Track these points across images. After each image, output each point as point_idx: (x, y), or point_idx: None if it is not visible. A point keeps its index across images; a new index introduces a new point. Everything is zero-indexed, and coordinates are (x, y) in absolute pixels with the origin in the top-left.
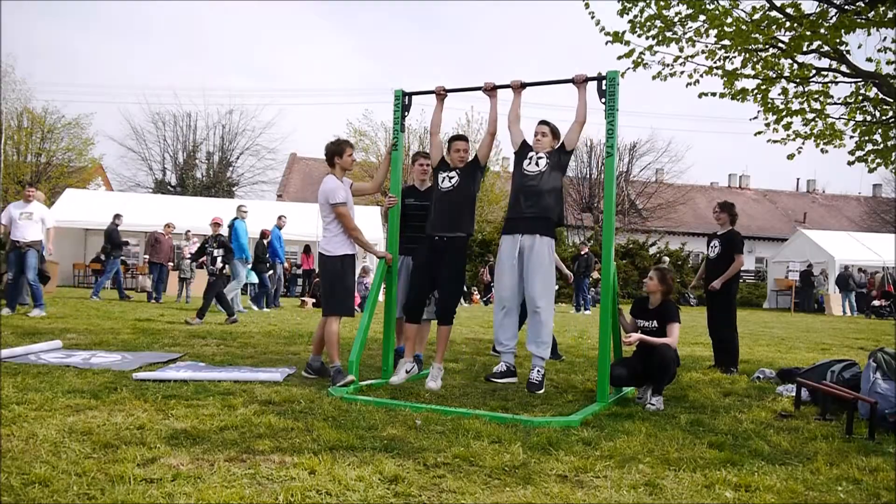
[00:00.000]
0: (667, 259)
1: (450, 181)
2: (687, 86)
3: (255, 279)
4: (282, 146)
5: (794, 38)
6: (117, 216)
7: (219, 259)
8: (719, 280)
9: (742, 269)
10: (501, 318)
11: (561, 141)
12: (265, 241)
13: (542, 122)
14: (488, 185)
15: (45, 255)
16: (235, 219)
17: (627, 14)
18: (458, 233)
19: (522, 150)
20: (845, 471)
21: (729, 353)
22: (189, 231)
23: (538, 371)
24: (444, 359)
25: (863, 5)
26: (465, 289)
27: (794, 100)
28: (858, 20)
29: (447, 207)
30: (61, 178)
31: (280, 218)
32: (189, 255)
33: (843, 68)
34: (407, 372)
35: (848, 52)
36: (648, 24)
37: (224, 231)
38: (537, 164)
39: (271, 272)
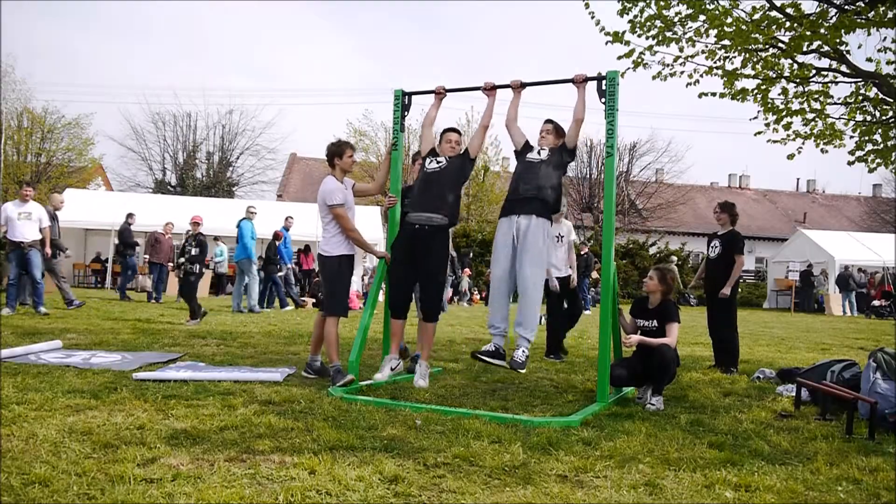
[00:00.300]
0: (674, 258)
1: (437, 163)
2: (687, 86)
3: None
4: (282, 146)
5: (794, 38)
6: (130, 215)
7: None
8: (727, 286)
9: (742, 269)
10: (493, 301)
11: (563, 140)
12: (277, 243)
13: (547, 121)
14: (488, 185)
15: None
16: (243, 219)
17: (627, 14)
18: (440, 216)
19: (525, 148)
20: (845, 471)
21: (729, 353)
22: (190, 231)
23: (523, 351)
24: (444, 359)
25: (863, 5)
26: (466, 290)
27: (794, 100)
28: (858, 20)
29: (432, 188)
30: (61, 178)
31: (287, 219)
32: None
33: (843, 68)
34: (392, 369)
35: (848, 52)
36: (648, 24)
37: (204, 230)
38: (539, 153)
39: (281, 273)
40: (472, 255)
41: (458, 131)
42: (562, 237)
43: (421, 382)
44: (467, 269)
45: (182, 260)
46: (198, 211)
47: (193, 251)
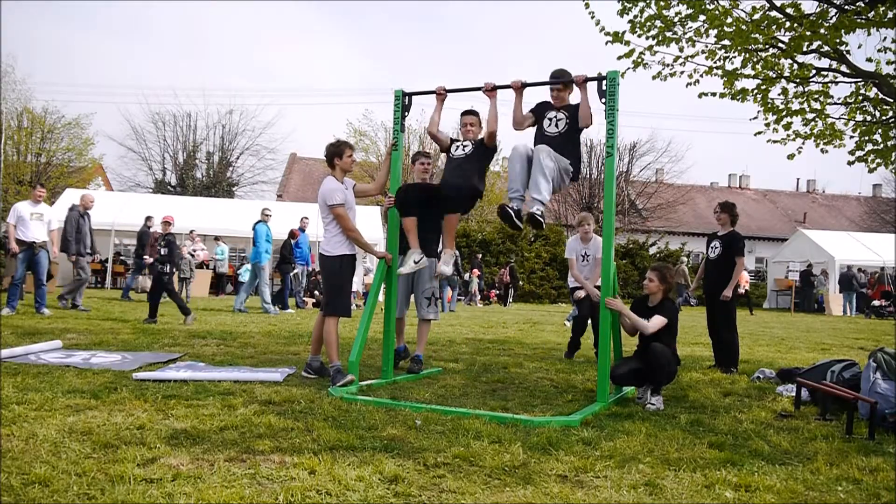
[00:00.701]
0: (684, 259)
1: (463, 149)
2: (687, 86)
3: (243, 278)
4: (282, 146)
5: (794, 38)
6: (149, 218)
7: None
8: (728, 288)
9: (742, 270)
10: (511, 172)
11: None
12: (292, 242)
13: (553, 77)
14: (489, 185)
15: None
16: (259, 221)
17: (627, 14)
18: (470, 183)
19: (538, 118)
20: (845, 471)
21: (729, 353)
22: (193, 231)
23: (537, 209)
24: (444, 359)
25: (863, 5)
26: (476, 291)
27: (794, 100)
28: (858, 20)
29: (460, 170)
30: (61, 178)
31: (303, 220)
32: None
33: (843, 68)
34: (416, 262)
35: (848, 52)
36: (648, 24)
37: (174, 230)
38: (557, 125)
39: (295, 273)
40: (481, 255)
41: (475, 113)
42: (588, 255)
43: (444, 269)
44: (476, 270)
45: (167, 264)
46: (198, 211)
47: (163, 251)
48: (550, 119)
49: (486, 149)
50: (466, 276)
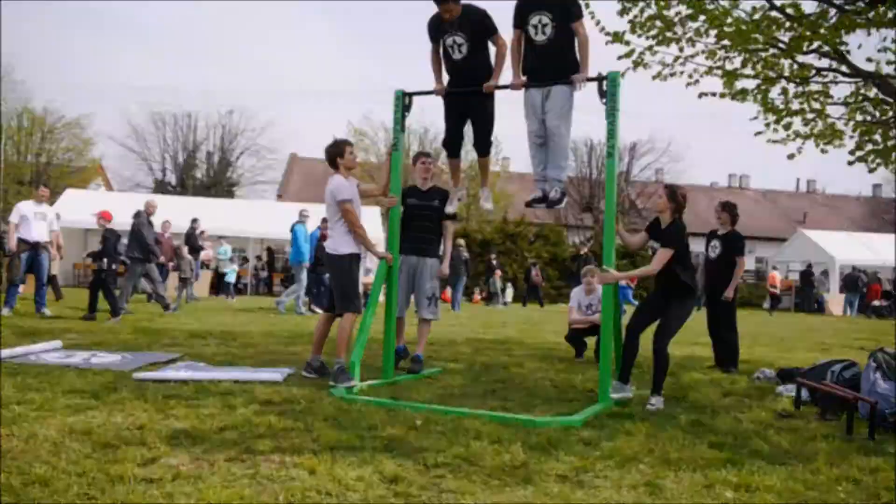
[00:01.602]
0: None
1: (460, 51)
2: (687, 86)
3: (231, 278)
4: (282, 146)
5: (794, 38)
6: (195, 220)
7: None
8: (729, 289)
9: (744, 270)
10: (533, 156)
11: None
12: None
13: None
14: (490, 184)
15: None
16: (297, 223)
17: (627, 14)
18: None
19: (524, 17)
20: (845, 471)
21: (729, 353)
22: (204, 232)
23: (556, 191)
24: (444, 359)
25: (863, 5)
26: (499, 292)
27: (794, 100)
28: (858, 20)
29: (467, 74)
30: (61, 178)
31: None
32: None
33: (843, 68)
34: (459, 199)
35: (848, 52)
36: (648, 24)
37: (113, 225)
38: (543, 31)
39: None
40: (494, 255)
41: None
42: (592, 306)
43: (486, 205)
44: (499, 271)
45: (107, 262)
46: (198, 211)
47: (98, 247)
48: (535, 27)
49: (483, 38)
50: (490, 279)
